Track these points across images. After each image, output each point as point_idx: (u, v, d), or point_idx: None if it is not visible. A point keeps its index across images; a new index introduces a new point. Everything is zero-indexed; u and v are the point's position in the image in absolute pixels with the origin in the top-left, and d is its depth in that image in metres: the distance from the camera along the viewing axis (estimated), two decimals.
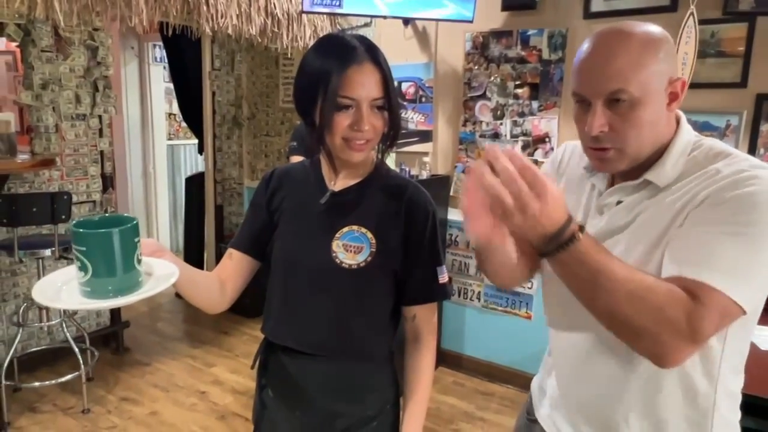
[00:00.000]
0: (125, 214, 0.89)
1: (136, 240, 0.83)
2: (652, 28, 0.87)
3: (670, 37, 0.88)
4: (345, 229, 1.08)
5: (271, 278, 1.16)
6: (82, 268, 0.80)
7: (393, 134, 1.07)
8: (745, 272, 0.78)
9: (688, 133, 0.92)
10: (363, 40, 1.02)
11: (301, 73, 1.04)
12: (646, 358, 0.80)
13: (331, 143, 1.03)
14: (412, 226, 1.09)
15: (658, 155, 0.90)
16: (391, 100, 1.01)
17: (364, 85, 0.98)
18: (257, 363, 1.22)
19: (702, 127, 2.46)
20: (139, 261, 0.84)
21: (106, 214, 0.86)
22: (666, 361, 0.78)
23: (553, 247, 0.76)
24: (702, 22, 2.34)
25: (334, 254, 1.07)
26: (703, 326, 0.75)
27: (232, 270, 1.16)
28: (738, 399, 0.97)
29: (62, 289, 0.85)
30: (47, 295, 0.83)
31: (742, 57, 2.37)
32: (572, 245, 0.76)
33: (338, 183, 1.12)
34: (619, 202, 0.95)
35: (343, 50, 0.99)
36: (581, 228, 0.77)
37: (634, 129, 0.86)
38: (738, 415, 0.97)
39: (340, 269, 1.06)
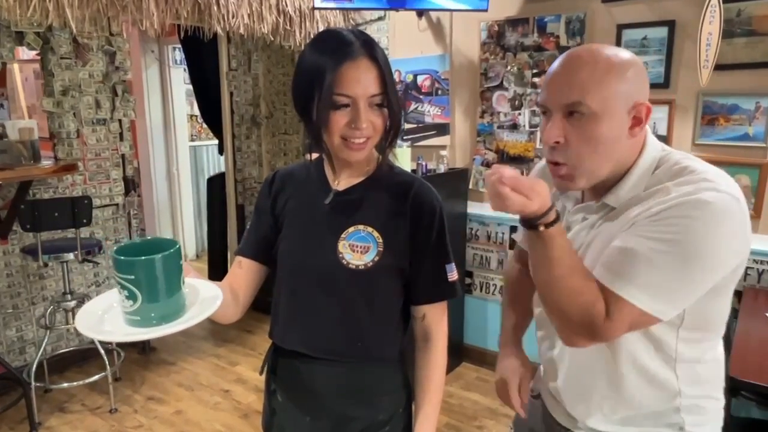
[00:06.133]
0: (162, 237, 0.88)
1: (180, 263, 0.82)
2: (622, 51, 0.89)
3: (641, 63, 0.90)
4: (351, 229, 1.06)
5: (277, 281, 1.13)
6: (131, 296, 0.77)
7: (393, 131, 1.03)
8: (663, 288, 0.83)
9: (653, 151, 0.92)
10: (360, 34, 0.98)
11: (298, 71, 1.01)
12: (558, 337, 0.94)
13: (329, 143, 1.01)
14: (418, 223, 1.06)
15: (620, 177, 0.92)
16: (389, 96, 0.98)
17: (360, 81, 0.94)
18: (265, 369, 1.20)
19: (729, 110, 2.36)
20: (183, 283, 0.83)
21: (138, 240, 0.86)
22: (571, 345, 0.92)
23: (540, 225, 0.84)
24: (727, 0, 2.23)
25: (340, 255, 1.04)
26: (608, 334, 0.86)
27: (243, 279, 1.13)
28: (715, 382, 0.99)
29: (104, 318, 0.84)
30: (90, 326, 0.81)
31: None
32: (555, 225, 0.84)
33: (342, 182, 1.09)
34: (584, 219, 0.99)
35: (338, 46, 0.95)
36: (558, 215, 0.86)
37: (589, 145, 0.87)
38: (714, 398, 0.99)
39: (347, 270, 1.04)
